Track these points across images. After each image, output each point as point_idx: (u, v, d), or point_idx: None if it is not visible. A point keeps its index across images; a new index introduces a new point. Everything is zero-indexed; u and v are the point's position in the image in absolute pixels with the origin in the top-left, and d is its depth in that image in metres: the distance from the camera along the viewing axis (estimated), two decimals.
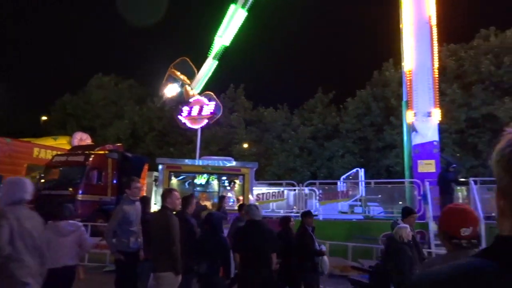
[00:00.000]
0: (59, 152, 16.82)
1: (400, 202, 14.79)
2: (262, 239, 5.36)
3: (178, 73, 17.76)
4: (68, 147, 18.99)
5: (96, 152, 15.22)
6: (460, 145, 25.79)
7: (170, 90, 17.99)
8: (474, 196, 11.59)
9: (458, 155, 25.04)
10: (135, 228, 5.88)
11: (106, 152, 15.26)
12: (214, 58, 18.07)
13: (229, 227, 8.08)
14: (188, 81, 17.70)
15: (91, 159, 14.50)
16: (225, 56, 18.34)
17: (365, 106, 29.63)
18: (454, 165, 12.49)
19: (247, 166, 13.61)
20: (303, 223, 7.12)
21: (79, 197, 13.60)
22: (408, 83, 15.22)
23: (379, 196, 15.18)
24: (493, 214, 11.97)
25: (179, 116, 17.46)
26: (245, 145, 31.62)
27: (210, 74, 18.29)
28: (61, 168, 14.59)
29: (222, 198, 11.25)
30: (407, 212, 6.29)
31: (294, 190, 14.96)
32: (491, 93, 25.22)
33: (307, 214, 7.30)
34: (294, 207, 14.83)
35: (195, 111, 17.10)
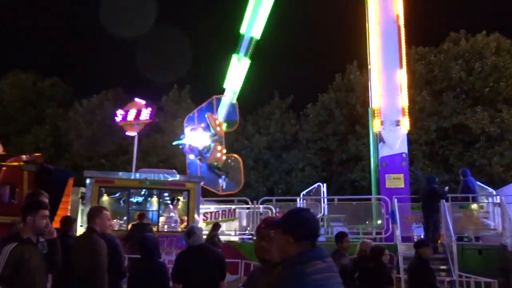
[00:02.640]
0: None
1: (367, 222, 15.11)
2: (207, 265, 5.24)
3: (217, 121, 16.93)
4: None
5: (8, 163, 14.37)
6: (431, 158, 26.89)
7: (197, 138, 16.71)
8: (445, 214, 12.03)
9: (429, 169, 26.06)
10: None
11: (21, 163, 14.46)
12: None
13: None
14: (222, 135, 16.91)
15: (1, 172, 13.69)
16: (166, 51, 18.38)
17: (327, 113, 30.24)
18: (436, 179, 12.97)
19: (193, 181, 13.44)
20: (418, 254, 6.68)
21: None
22: (375, 88, 15.71)
23: (343, 214, 15.43)
24: (466, 234, 12.52)
25: (112, 121, 17.05)
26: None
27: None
28: None
29: (216, 226, 11.14)
30: None
31: (248, 208, 14.89)
32: (462, 101, 26.60)
33: (424, 244, 6.87)
34: (248, 228, 14.74)
35: (131, 115, 16.73)
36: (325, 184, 16.74)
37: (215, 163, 16.63)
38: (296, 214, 2.54)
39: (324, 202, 15.22)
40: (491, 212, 13.31)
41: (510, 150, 25.19)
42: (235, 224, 14.69)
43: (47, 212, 4.15)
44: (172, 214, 13.38)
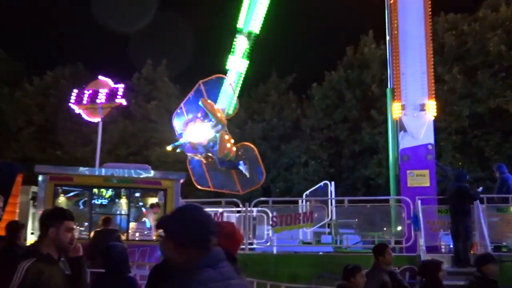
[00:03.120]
0: None
1: (384, 228, 15.16)
2: None
3: (215, 107, 16.66)
4: None
5: None
6: (462, 150, 26.99)
7: (198, 132, 16.47)
8: (479, 218, 12.10)
9: (460, 163, 26.16)
10: None
11: None
12: (243, 57, 17.80)
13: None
14: (225, 122, 16.74)
15: None
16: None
17: (336, 95, 30.24)
18: (467, 177, 12.97)
19: (171, 178, 13.42)
20: (483, 273, 6.52)
21: None
22: (395, 64, 15.70)
23: (355, 219, 15.48)
24: (504, 243, 12.60)
25: (70, 104, 16.98)
26: (169, 148, 31.19)
27: (238, 90, 18.10)
28: None
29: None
30: None
31: (238, 212, 14.91)
32: (501, 81, 26.66)
33: (489, 259, 6.70)
34: None
35: (94, 97, 16.68)
36: (333, 183, 16.73)
37: (227, 157, 16.35)
38: (178, 214, 2.55)
39: (331, 204, 15.25)
40: None
41: None
42: None
43: (73, 224, 4.14)
44: (145, 219, 13.39)
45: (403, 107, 15.27)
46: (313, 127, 30.24)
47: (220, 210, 14.87)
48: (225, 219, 14.55)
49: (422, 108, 15.20)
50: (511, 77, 26.85)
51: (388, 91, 16.11)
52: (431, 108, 15.30)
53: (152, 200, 13.75)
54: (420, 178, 14.74)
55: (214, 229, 2.52)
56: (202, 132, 16.24)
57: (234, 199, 15.33)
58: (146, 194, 13.88)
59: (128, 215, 13.25)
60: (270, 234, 14.28)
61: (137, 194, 13.86)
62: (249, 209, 14.22)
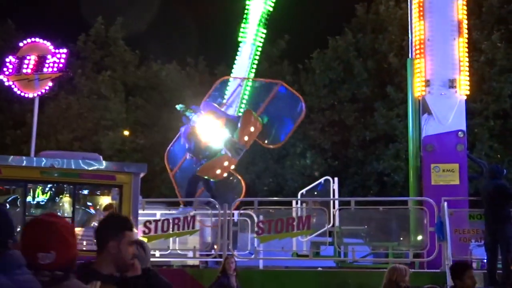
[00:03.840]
0: None
1: (401, 238, 15.27)
2: None
3: (253, 129, 16.72)
4: None
5: None
6: (502, 139, 27.15)
7: (210, 129, 16.48)
8: None
9: (498, 156, 26.32)
10: None
11: None
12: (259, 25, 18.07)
13: None
14: (248, 146, 16.98)
15: None
16: None
17: (342, 67, 30.24)
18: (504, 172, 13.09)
19: (128, 171, 13.42)
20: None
21: None
22: (418, 28, 15.77)
23: (364, 226, 15.57)
24: None
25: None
26: (125, 132, 31.13)
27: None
28: None
29: (225, 260, 11.53)
30: None
31: (215, 215, 14.95)
32: None
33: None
34: (215, 246, 14.81)
35: (28, 65, 16.60)
36: (336, 179, 16.79)
37: (205, 176, 16.33)
38: None
39: (334, 207, 15.32)
40: None
41: None
42: (194, 240, 14.75)
43: (134, 236, 4.07)
44: (94, 223, 13.39)
45: (428, 83, 15.34)
46: (312, 107, 30.22)
47: (192, 213, 14.88)
48: (197, 225, 14.60)
49: (451, 84, 15.27)
50: None
51: (409, 62, 16.17)
52: (463, 85, 15.39)
53: (104, 199, 13.76)
54: (448, 174, 14.83)
55: (9, 230, 2.62)
56: (211, 134, 16.15)
57: (210, 199, 15.38)
58: (96, 191, 13.85)
59: (72, 218, 13.22)
60: (256, 245, 14.30)
61: (85, 192, 13.84)
62: (228, 212, 14.24)
